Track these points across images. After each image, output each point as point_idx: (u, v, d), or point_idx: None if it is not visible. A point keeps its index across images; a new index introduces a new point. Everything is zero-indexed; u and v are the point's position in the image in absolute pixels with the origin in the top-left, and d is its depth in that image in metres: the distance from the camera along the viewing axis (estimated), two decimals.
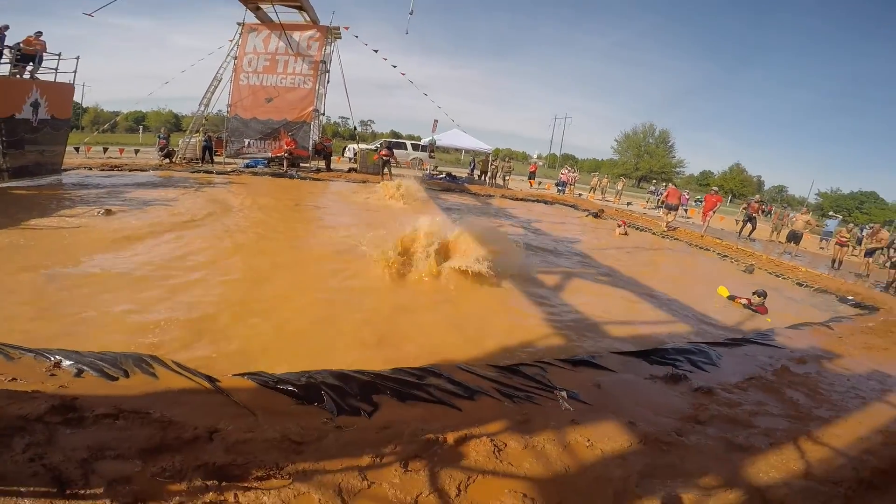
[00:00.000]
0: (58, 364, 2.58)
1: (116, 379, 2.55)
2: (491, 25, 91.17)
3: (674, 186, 16.76)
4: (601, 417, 3.03)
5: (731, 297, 6.91)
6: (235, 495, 1.92)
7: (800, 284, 9.41)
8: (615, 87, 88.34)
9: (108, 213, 7.17)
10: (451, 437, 2.47)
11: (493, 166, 19.65)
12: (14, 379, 2.36)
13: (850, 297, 8.50)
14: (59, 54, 10.21)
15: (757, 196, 18.24)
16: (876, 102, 61.67)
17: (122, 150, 16.73)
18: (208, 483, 1.94)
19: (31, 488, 1.73)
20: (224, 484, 1.96)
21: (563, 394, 3.30)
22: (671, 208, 14.00)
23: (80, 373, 2.54)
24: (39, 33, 9.91)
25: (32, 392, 2.25)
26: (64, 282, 4.36)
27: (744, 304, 6.56)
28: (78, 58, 10.57)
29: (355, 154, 19.82)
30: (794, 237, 13.33)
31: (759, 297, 6.46)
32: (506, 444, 2.54)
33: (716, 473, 2.69)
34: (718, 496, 2.53)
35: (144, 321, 3.72)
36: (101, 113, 33.74)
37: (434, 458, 2.31)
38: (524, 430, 2.69)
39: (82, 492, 1.77)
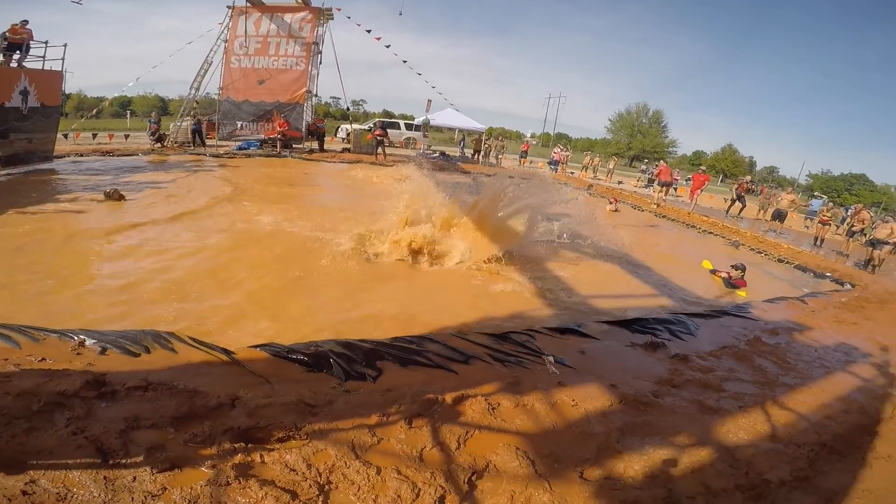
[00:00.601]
0: (82, 343, 2.76)
1: (139, 355, 2.76)
2: (485, 4, 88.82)
3: (665, 164, 17.00)
4: (585, 380, 3.31)
5: (713, 271, 7.23)
6: (261, 455, 2.15)
7: (780, 261, 9.76)
8: (610, 68, 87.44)
9: (110, 197, 7.24)
10: (449, 398, 2.73)
11: (487, 145, 19.68)
12: (43, 359, 2.54)
13: (828, 274, 8.85)
14: (46, 42, 10.12)
15: (748, 177, 18.54)
16: (868, 85, 61.89)
17: (111, 136, 16.50)
18: (236, 446, 2.17)
19: (78, 460, 1.91)
20: (250, 446, 2.20)
21: (551, 358, 3.58)
22: (664, 185, 14.30)
23: (104, 351, 2.73)
24: (25, 22, 9.80)
25: (63, 370, 2.45)
26: (72, 264, 4.51)
27: (723, 278, 6.88)
28: (65, 45, 10.49)
29: (348, 134, 19.69)
30: (779, 216, 13.71)
31: (737, 270, 6.77)
32: (499, 404, 2.81)
33: (689, 432, 2.97)
34: (691, 453, 2.80)
35: (152, 298, 3.92)
36: (85, 99, 32.90)
37: (435, 415, 2.57)
38: (515, 391, 2.95)
39: (124, 461, 1.96)
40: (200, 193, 8.44)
